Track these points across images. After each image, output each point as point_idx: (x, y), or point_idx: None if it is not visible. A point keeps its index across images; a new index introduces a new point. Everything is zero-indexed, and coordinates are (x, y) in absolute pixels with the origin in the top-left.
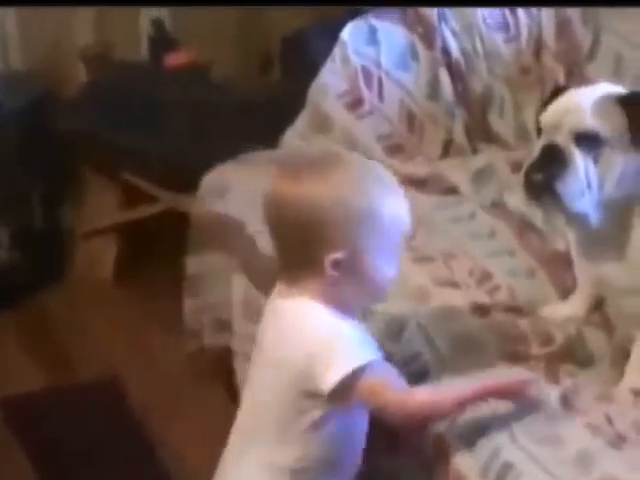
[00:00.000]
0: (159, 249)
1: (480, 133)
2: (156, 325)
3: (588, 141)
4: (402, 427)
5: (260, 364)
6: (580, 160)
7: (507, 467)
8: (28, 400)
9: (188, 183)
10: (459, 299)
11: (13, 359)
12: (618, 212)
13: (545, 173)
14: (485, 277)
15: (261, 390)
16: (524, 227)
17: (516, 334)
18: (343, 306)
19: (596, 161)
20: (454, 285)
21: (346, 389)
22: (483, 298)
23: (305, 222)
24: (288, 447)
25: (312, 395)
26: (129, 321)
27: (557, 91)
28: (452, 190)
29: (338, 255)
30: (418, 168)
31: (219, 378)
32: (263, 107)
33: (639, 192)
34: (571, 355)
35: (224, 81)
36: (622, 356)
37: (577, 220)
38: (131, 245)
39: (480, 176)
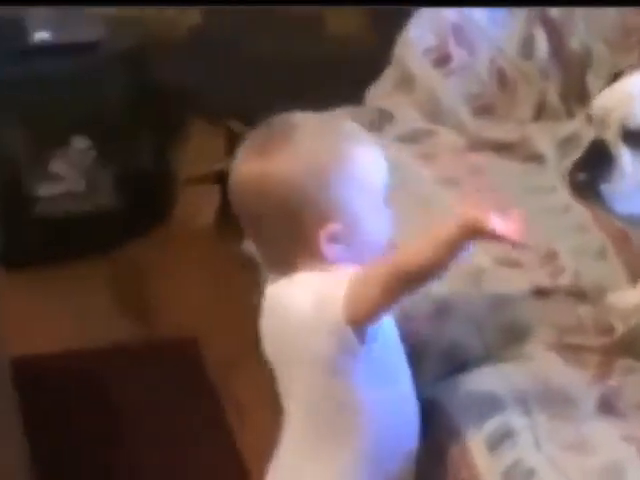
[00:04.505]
0: None
1: (576, 96)
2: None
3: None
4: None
5: (279, 358)
6: (629, 159)
7: (529, 474)
8: (109, 351)
9: None
10: (517, 280)
11: (100, 307)
12: None
13: (590, 173)
14: (550, 257)
15: (288, 379)
16: None
17: (572, 322)
18: None
19: None
20: (515, 264)
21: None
22: (544, 280)
23: (282, 202)
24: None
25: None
26: (224, 272)
27: (616, 76)
28: (537, 157)
29: (333, 227)
30: (504, 132)
31: None
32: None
33: None
34: (632, 348)
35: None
36: None
37: (629, 220)
38: None
39: (567, 144)
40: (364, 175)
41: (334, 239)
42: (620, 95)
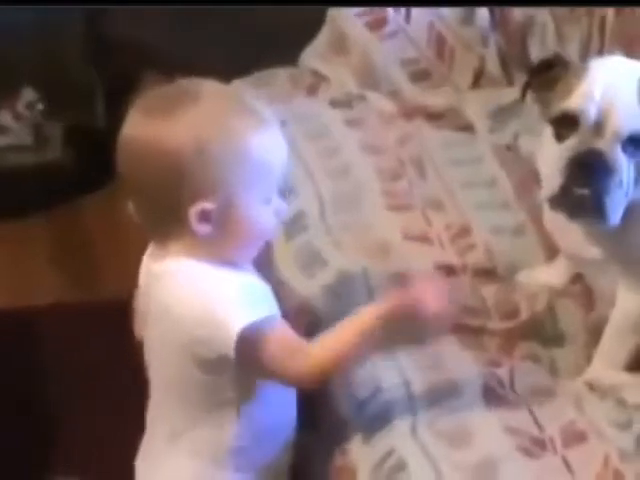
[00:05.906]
0: None
1: (517, 63)
2: None
3: (636, 144)
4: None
5: (154, 343)
6: (625, 167)
7: (400, 467)
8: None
9: None
10: (425, 257)
11: (39, 267)
12: None
13: (592, 187)
14: (463, 233)
15: (163, 367)
16: (530, 177)
17: (474, 303)
18: (223, 259)
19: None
20: (424, 240)
21: (248, 347)
22: (452, 258)
23: (161, 170)
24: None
25: (215, 363)
26: None
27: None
28: (468, 127)
29: (205, 205)
30: (438, 99)
31: None
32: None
33: None
34: (535, 332)
35: None
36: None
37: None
38: None
39: (502, 114)
40: (255, 161)
41: (205, 218)
42: (614, 99)
